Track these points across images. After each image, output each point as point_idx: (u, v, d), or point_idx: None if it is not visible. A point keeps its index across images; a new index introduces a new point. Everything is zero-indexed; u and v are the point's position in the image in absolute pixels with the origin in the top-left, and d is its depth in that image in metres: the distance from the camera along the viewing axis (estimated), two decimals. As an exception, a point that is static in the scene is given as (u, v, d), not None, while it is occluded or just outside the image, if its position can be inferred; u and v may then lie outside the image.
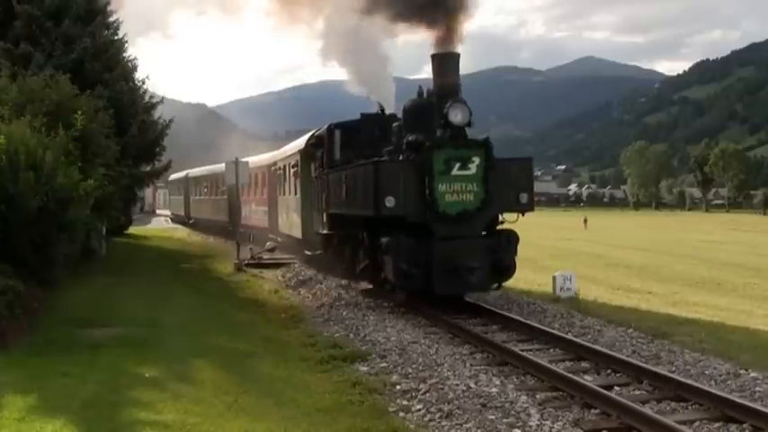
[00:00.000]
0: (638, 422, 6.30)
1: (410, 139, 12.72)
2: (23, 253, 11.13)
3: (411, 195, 12.00)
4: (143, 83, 26.03)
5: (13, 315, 9.69)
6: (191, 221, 41.81)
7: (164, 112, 27.22)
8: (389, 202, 11.87)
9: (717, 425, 6.62)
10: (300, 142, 20.07)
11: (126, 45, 24.96)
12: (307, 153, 18.61)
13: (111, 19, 24.37)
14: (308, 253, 18.76)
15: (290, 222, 21.57)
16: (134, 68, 25.46)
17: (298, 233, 20.07)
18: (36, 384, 7.39)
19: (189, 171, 43.68)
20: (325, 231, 15.95)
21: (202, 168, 40.74)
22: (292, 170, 20.99)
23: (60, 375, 7.81)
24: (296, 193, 20.31)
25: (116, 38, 24.51)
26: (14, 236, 10.93)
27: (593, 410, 6.90)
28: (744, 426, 6.53)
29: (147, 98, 26.39)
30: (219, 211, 33.54)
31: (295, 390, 7.77)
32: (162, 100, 27.98)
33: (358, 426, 6.49)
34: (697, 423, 6.64)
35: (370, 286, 14.35)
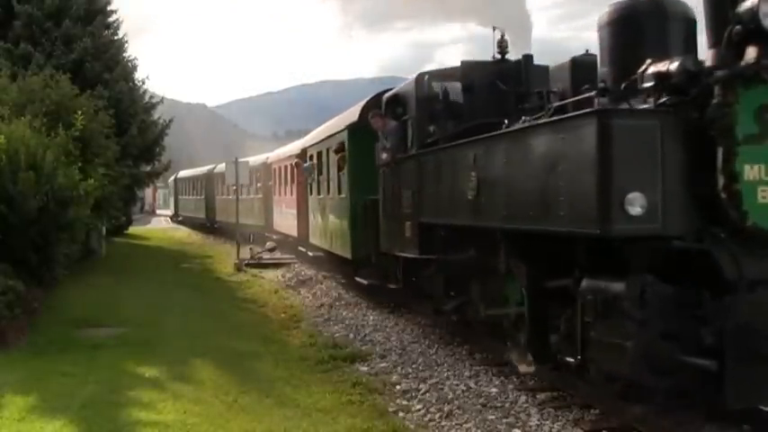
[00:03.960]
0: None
1: (662, 69, 6.04)
2: (23, 253, 11.13)
3: (676, 191, 5.73)
4: (143, 83, 26.09)
5: (13, 315, 9.69)
6: (215, 225, 34.55)
7: (164, 113, 27.27)
8: (634, 205, 5.52)
9: None
10: (349, 115, 14.50)
11: (126, 45, 25.02)
12: (359, 130, 12.99)
13: (111, 19, 24.42)
14: (364, 282, 12.88)
15: (328, 233, 15.72)
16: (134, 68, 25.51)
17: (343, 249, 14.15)
18: (36, 384, 7.40)
19: (216, 165, 42.99)
20: (408, 253, 10.07)
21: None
22: (332, 158, 15.31)
23: (60, 375, 7.82)
24: (339, 191, 14.74)
25: (116, 38, 24.55)
26: (14, 236, 10.92)
27: (592, 410, 6.90)
28: None
29: (147, 98, 26.43)
30: (254, 215, 28.83)
31: (295, 390, 7.77)
32: (162, 100, 28.04)
33: (358, 426, 6.49)
34: None
35: (527, 368, 7.74)
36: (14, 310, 9.74)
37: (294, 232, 20.91)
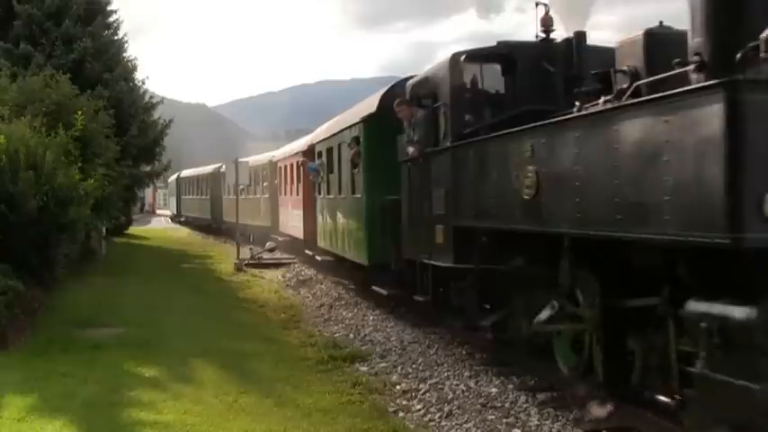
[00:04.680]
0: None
1: None
2: (23, 253, 11.14)
3: None
4: (143, 83, 26.13)
5: (13, 315, 9.71)
6: (222, 226, 32.52)
7: (164, 113, 27.31)
8: None
9: None
10: (365, 106, 13.16)
11: (126, 45, 25.06)
12: (378, 122, 11.81)
13: (111, 19, 24.46)
14: (382, 292, 11.74)
15: (340, 236, 14.41)
16: (134, 68, 25.55)
17: (358, 255, 12.93)
18: (36, 384, 7.41)
19: (222, 164, 42.25)
20: (439, 261, 8.81)
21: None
22: (345, 154, 13.89)
23: (60, 375, 7.82)
24: (353, 191, 13.33)
25: (116, 38, 24.59)
26: (14, 236, 10.93)
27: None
28: None
29: (147, 98, 26.46)
30: (260, 216, 27.71)
31: (295, 390, 7.77)
32: (162, 100, 28.09)
33: (358, 426, 6.49)
34: None
35: (601, 410, 6.40)
36: (14, 310, 9.76)
37: (300, 234, 19.96)
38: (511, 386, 7.68)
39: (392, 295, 11.42)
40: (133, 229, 33.93)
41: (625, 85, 6.10)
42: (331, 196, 15.41)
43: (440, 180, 8.76)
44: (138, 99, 24.92)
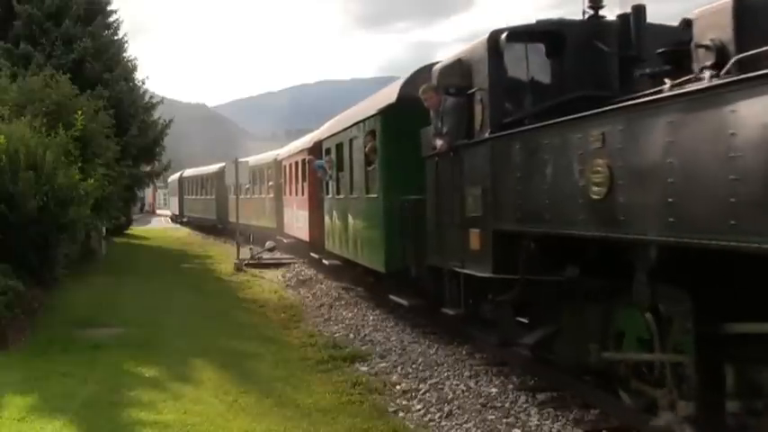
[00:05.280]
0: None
1: None
2: (23, 253, 11.14)
3: None
4: (143, 83, 26.15)
5: (13, 315, 9.71)
6: (228, 227, 30.91)
7: (164, 113, 27.34)
8: None
9: None
10: (383, 97, 12.09)
11: (126, 45, 25.08)
12: (397, 114, 10.86)
13: (111, 19, 24.48)
14: (402, 302, 10.63)
15: (352, 240, 13.35)
16: (134, 68, 25.57)
17: (373, 260, 11.88)
18: (36, 384, 7.41)
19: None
20: (473, 270, 7.66)
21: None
22: (358, 150, 12.78)
23: (60, 375, 7.83)
24: (367, 190, 12.28)
25: (116, 38, 24.61)
26: (14, 236, 10.93)
27: (592, 410, 6.90)
28: None
29: (147, 98, 26.49)
30: (265, 216, 26.92)
31: (295, 390, 7.77)
32: (162, 100, 28.12)
33: (358, 426, 6.49)
34: None
35: None
36: (14, 310, 9.76)
37: (305, 236, 18.97)
38: (511, 386, 7.69)
39: (413, 306, 10.43)
40: (133, 229, 33.95)
41: (709, 63, 5.11)
42: (341, 196, 14.36)
43: (475, 177, 7.63)
44: (138, 99, 24.93)
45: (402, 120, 10.50)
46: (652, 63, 6.29)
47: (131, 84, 24.67)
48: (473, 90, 7.80)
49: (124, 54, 24.91)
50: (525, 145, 6.65)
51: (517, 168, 6.76)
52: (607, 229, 5.44)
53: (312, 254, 18.15)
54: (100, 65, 21.67)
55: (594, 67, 7.18)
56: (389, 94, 11.54)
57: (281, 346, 10.34)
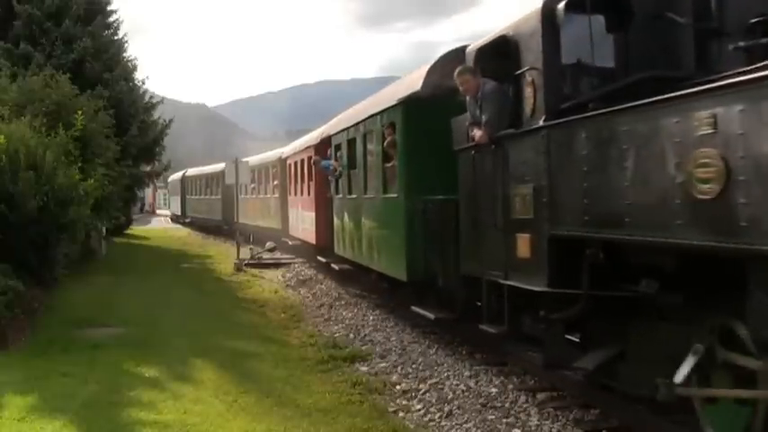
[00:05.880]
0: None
1: None
2: (23, 253, 11.15)
3: None
4: (143, 83, 26.18)
5: (13, 315, 9.72)
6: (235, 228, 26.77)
7: (164, 113, 27.36)
8: None
9: None
10: (405, 85, 11.04)
11: (126, 45, 25.11)
12: (421, 104, 9.94)
13: (111, 19, 24.50)
14: (428, 315, 9.37)
15: (366, 244, 12.33)
16: (134, 68, 25.60)
17: (392, 267, 10.83)
18: (36, 384, 7.42)
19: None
20: (523, 283, 6.62)
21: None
22: (374, 145, 11.90)
23: (60, 375, 7.83)
24: (384, 189, 11.27)
25: (116, 38, 24.63)
26: (14, 236, 10.94)
27: (592, 410, 6.90)
28: None
29: (147, 98, 26.51)
30: (270, 217, 25.82)
31: (295, 390, 7.77)
32: (162, 100, 28.15)
33: (358, 426, 6.49)
34: None
35: None
36: (14, 310, 9.77)
37: (312, 239, 17.93)
38: (511, 386, 7.68)
39: (440, 320, 9.36)
40: (133, 229, 33.96)
41: None
42: (353, 196, 13.34)
43: (524, 173, 6.58)
44: (138, 99, 24.95)
45: (427, 110, 9.66)
46: (738, 37, 5.33)
47: (131, 84, 24.69)
48: (522, 71, 6.70)
49: (124, 54, 24.95)
50: (595, 133, 5.57)
51: (583, 161, 5.62)
52: (719, 238, 4.34)
53: (320, 258, 17.17)
54: (100, 65, 21.68)
55: (665, 43, 6.13)
56: (412, 82, 10.53)
57: (281, 345, 10.34)
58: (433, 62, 10.27)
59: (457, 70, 7.72)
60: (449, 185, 8.51)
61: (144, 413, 6.64)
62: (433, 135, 9.12)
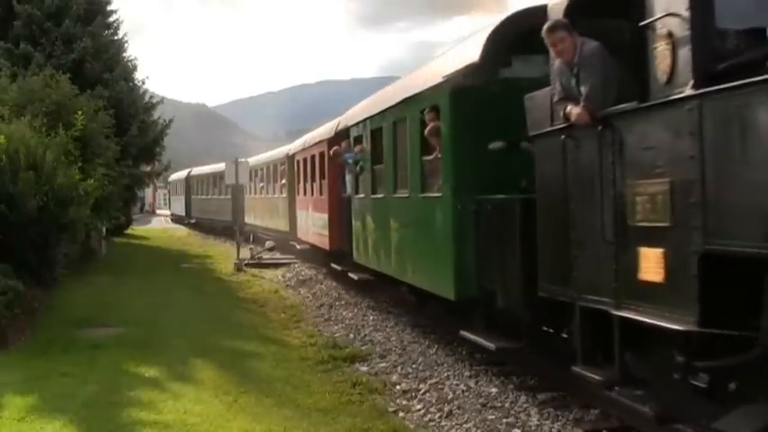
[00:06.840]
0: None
1: None
2: (23, 253, 11.15)
3: None
4: (143, 83, 26.18)
5: (13, 315, 9.72)
6: (245, 229, 26.29)
7: (164, 113, 27.36)
8: None
9: None
10: (452, 61, 8.84)
11: (126, 45, 25.11)
12: (474, 84, 8.02)
13: (111, 19, 24.50)
14: (489, 346, 7.49)
15: (398, 253, 10.60)
16: (134, 68, 25.60)
17: (435, 282, 8.98)
18: (36, 384, 7.41)
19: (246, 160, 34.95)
20: (654, 318, 4.72)
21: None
22: (407, 136, 10.00)
23: (60, 375, 7.83)
24: (422, 187, 9.49)
25: (116, 38, 24.63)
26: (14, 236, 10.94)
27: (592, 410, 6.90)
28: None
29: (147, 98, 26.51)
30: (277, 218, 24.58)
31: (295, 390, 7.77)
32: (162, 100, 28.15)
33: (358, 426, 6.49)
34: None
35: None
36: (14, 310, 9.77)
37: (325, 244, 16.03)
38: (511, 386, 7.68)
39: (502, 350, 7.55)
40: (133, 229, 33.96)
41: None
42: (379, 195, 11.57)
43: (655, 162, 4.74)
44: (138, 99, 24.94)
45: (484, 89, 7.91)
46: None
47: (131, 84, 24.68)
48: (653, 19, 4.86)
49: (124, 54, 24.93)
50: None
51: (766, 146, 3.88)
52: None
53: (334, 265, 15.29)
54: (100, 65, 21.68)
55: None
56: (466, 55, 8.38)
57: (280, 345, 10.34)
58: (491, 27, 8.08)
59: (546, 26, 5.84)
60: (505, 183, 7.19)
61: (144, 413, 6.63)
62: (491, 119, 7.63)
